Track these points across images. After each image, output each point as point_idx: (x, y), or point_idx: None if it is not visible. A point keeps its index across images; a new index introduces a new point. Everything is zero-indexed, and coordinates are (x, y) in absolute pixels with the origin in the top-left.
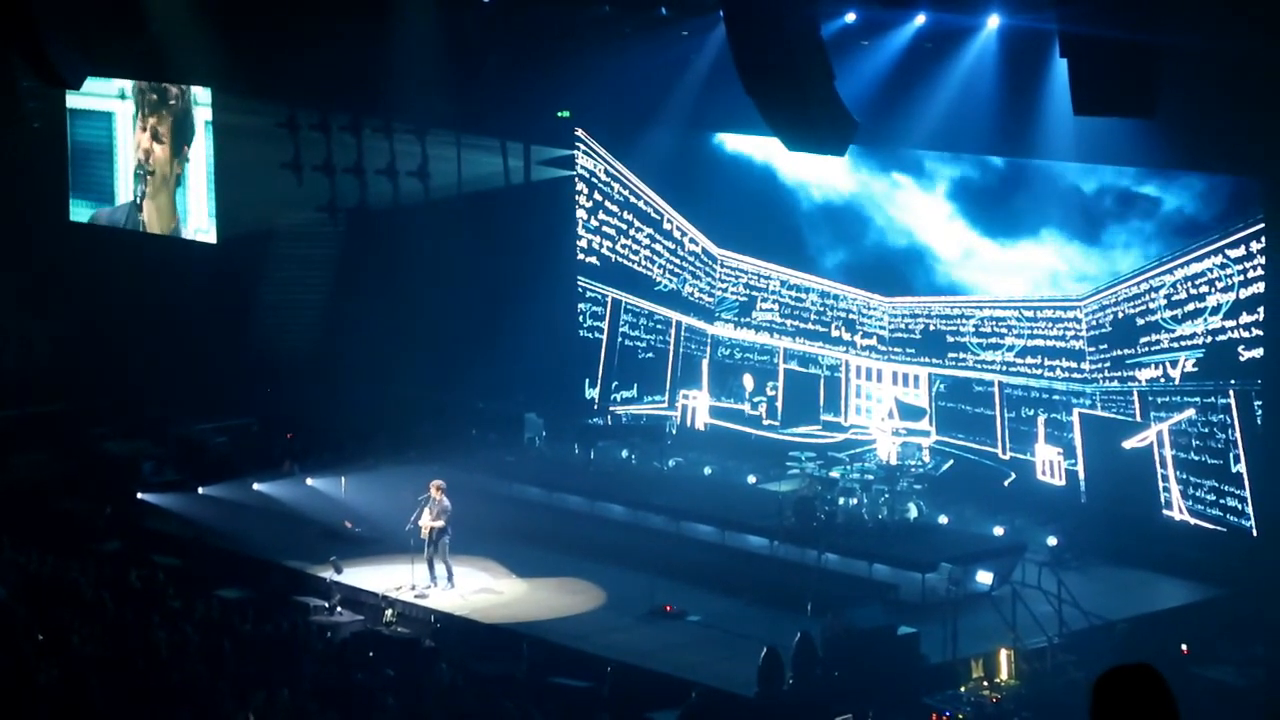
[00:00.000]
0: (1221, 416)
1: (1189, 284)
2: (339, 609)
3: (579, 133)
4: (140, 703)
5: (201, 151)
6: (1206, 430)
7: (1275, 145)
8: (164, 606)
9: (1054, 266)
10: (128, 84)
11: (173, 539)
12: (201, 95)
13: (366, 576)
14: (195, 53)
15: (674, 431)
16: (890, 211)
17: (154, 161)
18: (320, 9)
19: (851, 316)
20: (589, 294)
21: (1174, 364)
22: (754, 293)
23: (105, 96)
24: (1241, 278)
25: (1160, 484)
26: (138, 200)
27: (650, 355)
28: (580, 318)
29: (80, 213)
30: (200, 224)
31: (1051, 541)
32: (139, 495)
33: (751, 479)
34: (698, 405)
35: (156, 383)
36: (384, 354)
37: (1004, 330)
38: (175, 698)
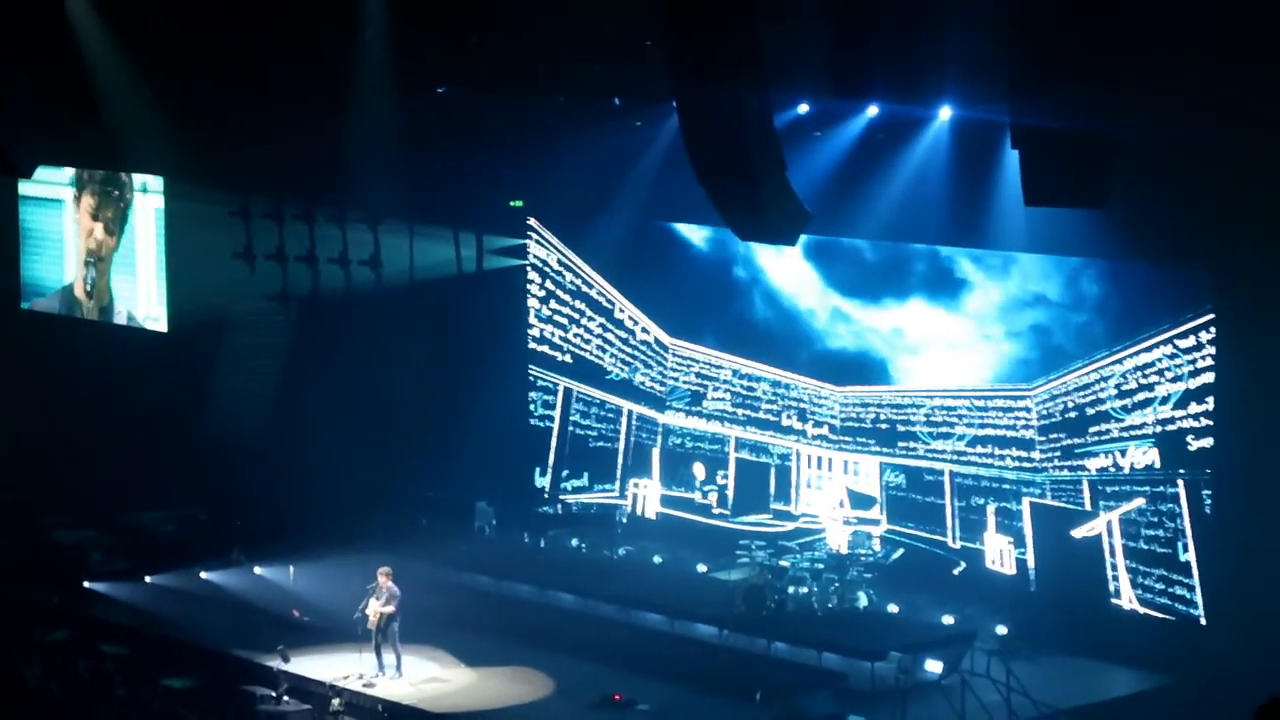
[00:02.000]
0: (1170, 506)
1: (1139, 374)
2: (286, 698)
3: (531, 222)
4: None
5: (151, 239)
6: (1156, 519)
7: (1224, 238)
8: (111, 696)
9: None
10: (77, 172)
11: (120, 628)
12: (153, 183)
13: (314, 665)
14: (149, 141)
15: (624, 520)
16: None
17: (105, 250)
18: (274, 98)
19: (803, 405)
20: (540, 382)
21: (1124, 453)
22: (705, 382)
23: (57, 184)
24: (1191, 368)
25: (1110, 573)
26: (87, 288)
27: (601, 444)
28: (531, 406)
29: (29, 300)
30: (151, 311)
31: (1001, 630)
32: (86, 584)
33: (702, 568)
34: (648, 494)
35: (106, 471)
36: (334, 442)
37: (954, 420)
38: None
